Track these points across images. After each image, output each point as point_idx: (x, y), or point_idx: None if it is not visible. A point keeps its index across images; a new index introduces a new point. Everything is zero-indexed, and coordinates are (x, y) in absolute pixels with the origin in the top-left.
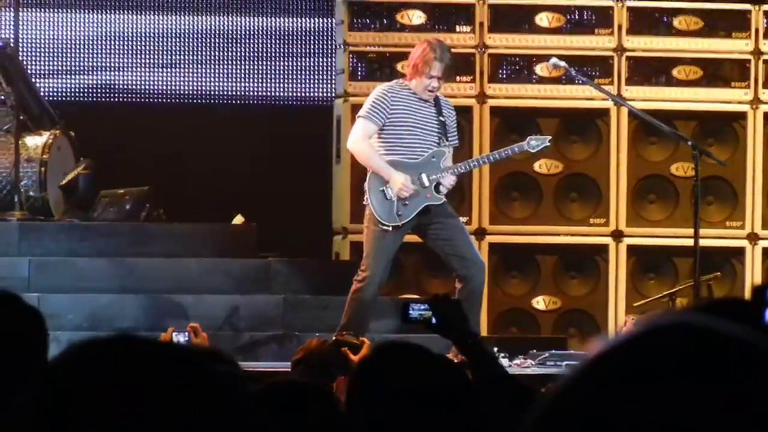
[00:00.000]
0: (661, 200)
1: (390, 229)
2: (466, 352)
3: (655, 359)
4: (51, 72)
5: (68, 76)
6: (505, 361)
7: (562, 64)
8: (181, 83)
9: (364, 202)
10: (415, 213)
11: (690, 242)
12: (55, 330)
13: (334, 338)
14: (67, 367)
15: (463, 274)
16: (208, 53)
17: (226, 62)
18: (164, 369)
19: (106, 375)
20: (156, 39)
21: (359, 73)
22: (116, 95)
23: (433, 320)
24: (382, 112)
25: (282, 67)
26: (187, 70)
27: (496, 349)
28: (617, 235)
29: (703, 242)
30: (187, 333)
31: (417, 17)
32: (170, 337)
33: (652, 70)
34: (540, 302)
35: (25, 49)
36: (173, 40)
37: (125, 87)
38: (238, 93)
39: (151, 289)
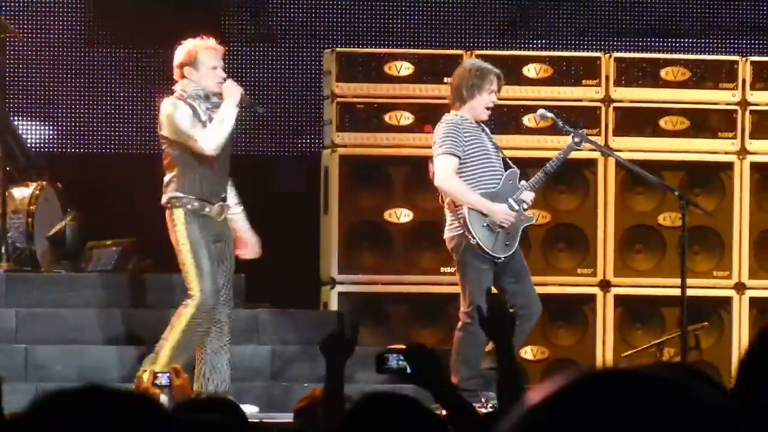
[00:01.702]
0: (649, 250)
1: (487, 266)
2: (442, 402)
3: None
4: (36, 122)
5: (53, 126)
6: (491, 394)
7: (550, 114)
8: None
9: (471, 241)
10: (519, 238)
11: (678, 292)
12: (42, 382)
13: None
14: (34, 418)
15: (525, 313)
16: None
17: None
18: (132, 421)
19: (72, 427)
20: (139, 86)
21: (347, 124)
22: (100, 145)
23: (408, 370)
24: (458, 143)
25: (270, 117)
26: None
27: (484, 400)
28: (605, 285)
29: (690, 292)
30: (168, 374)
31: (405, 68)
32: (152, 379)
33: (640, 121)
34: (528, 352)
35: (10, 99)
36: (160, 86)
37: (108, 137)
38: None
39: (140, 339)
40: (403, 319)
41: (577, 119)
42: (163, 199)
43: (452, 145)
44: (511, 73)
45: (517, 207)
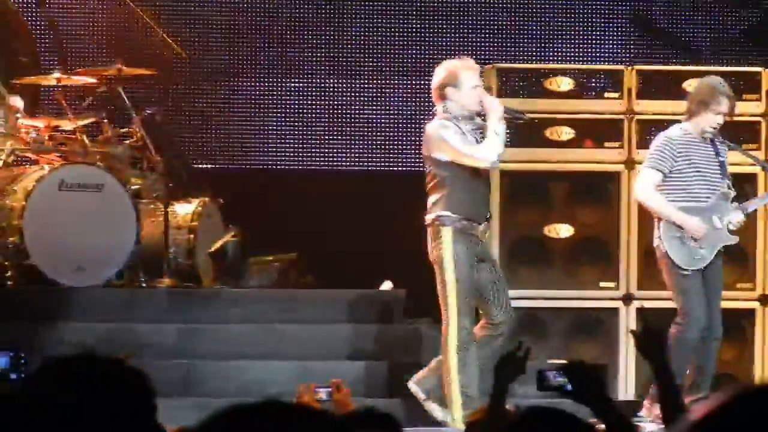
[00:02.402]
0: None
1: (690, 273)
2: (601, 418)
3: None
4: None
5: (215, 143)
6: (652, 426)
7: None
8: (327, 149)
9: (655, 245)
10: (713, 255)
11: None
12: (202, 397)
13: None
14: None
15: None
16: (351, 118)
17: (371, 128)
18: None
19: None
20: (302, 104)
21: (507, 140)
22: (263, 161)
23: (568, 386)
24: (668, 160)
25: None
26: (332, 135)
27: (642, 414)
28: (764, 300)
29: None
30: (329, 388)
31: (565, 84)
32: (312, 393)
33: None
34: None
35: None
36: (317, 105)
37: (270, 153)
38: (385, 159)
39: (301, 355)
40: (562, 334)
41: (736, 134)
42: (429, 218)
43: (658, 160)
44: (671, 87)
45: (719, 225)
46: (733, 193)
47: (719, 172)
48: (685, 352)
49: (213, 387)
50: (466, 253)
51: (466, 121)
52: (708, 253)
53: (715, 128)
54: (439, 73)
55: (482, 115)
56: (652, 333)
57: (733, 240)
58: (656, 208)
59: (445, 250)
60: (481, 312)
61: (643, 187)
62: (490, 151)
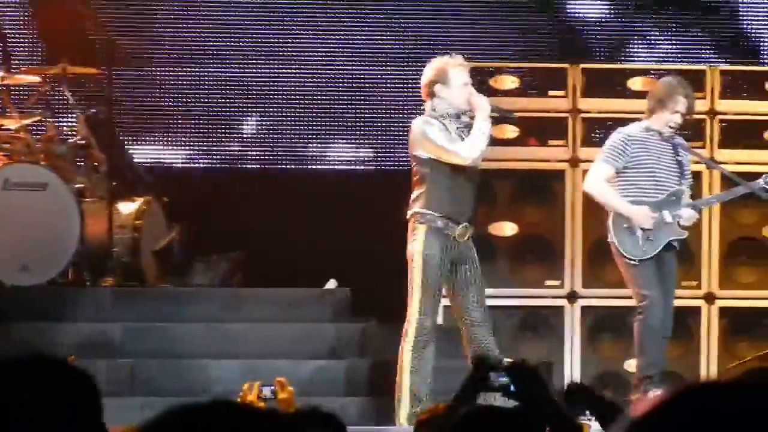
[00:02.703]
0: (753, 262)
1: (637, 263)
2: (545, 419)
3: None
4: (143, 138)
5: (159, 142)
6: (596, 425)
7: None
8: (272, 147)
9: (608, 240)
10: (661, 248)
11: None
12: (148, 396)
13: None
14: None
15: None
16: (299, 116)
17: (315, 125)
18: None
19: None
20: (247, 102)
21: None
22: (205, 160)
23: (511, 387)
24: (621, 156)
25: (368, 131)
26: (278, 134)
27: (588, 412)
28: (710, 298)
29: None
30: (272, 387)
31: (510, 82)
32: (257, 392)
33: (744, 133)
34: (631, 365)
35: (117, 115)
36: (266, 103)
37: (214, 152)
38: (328, 156)
39: (245, 354)
40: (508, 332)
41: (681, 132)
42: (408, 213)
43: (611, 155)
44: (616, 86)
45: (669, 219)
46: (686, 192)
47: (675, 171)
48: (655, 338)
49: (159, 386)
50: (438, 254)
51: (452, 119)
52: (657, 242)
53: (672, 127)
54: (429, 71)
55: (470, 113)
56: (525, 368)
57: (683, 234)
58: (603, 200)
59: (416, 247)
60: (455, 314)
61: (593, 179)
62: (471, 149)
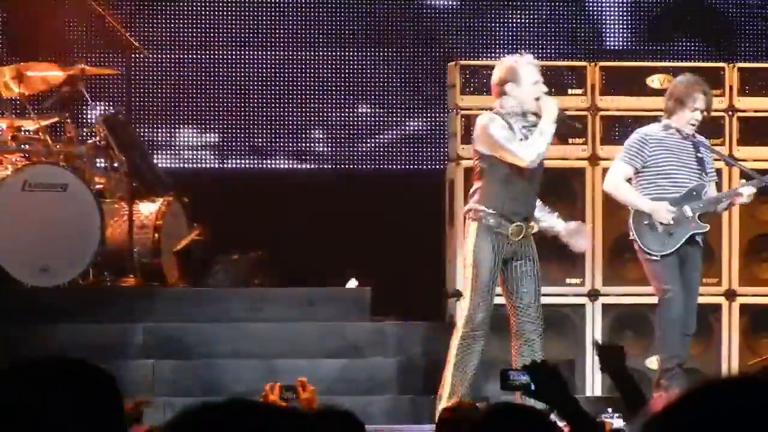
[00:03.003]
0: None
1: (659, 258)
2: (565, 417)
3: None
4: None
5: (179, 143)
6: (619, 422)
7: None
8: (294, 147)
9: (630, 238)
10: (682, 242)
11: None
12: (169, 396)
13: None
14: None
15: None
16: (319, 117)
17: (339, 126)
18: None
19: None
20: (265, 102)
21: (471, 136)
22: (227, 161)
23: (532, 386)
24: (640, 156)
25: (394, 131)
26: (298, 133)
27: (610, 410)
28: (730, 295)
29: None
30: (294, 388)
31: None
32: (279, 392)
33: (764, 130)
34: (654, 362)
35: (137, 113)
36: (283, 103)
37: (235, 152)
38: (352, 157)
39: (266, 354)
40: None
41: (700, 129)
42: (465, 208)
43: (630, 155)
44: (636, 84)
45: (690, 213)
46: (710, 187)
47: (696, 169)
48: (675, 331)
49: (179, 386)
50: (489, 252)
51: (518, 117)
52: (678, 236)
53: (693, 125)
54: (499, 69)
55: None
56: (611, 348)
57: (704, 228)
58: (622, 198)
59: (469, 245)
60: (508, 311)
61: (612, 178)
62: (530, 151)
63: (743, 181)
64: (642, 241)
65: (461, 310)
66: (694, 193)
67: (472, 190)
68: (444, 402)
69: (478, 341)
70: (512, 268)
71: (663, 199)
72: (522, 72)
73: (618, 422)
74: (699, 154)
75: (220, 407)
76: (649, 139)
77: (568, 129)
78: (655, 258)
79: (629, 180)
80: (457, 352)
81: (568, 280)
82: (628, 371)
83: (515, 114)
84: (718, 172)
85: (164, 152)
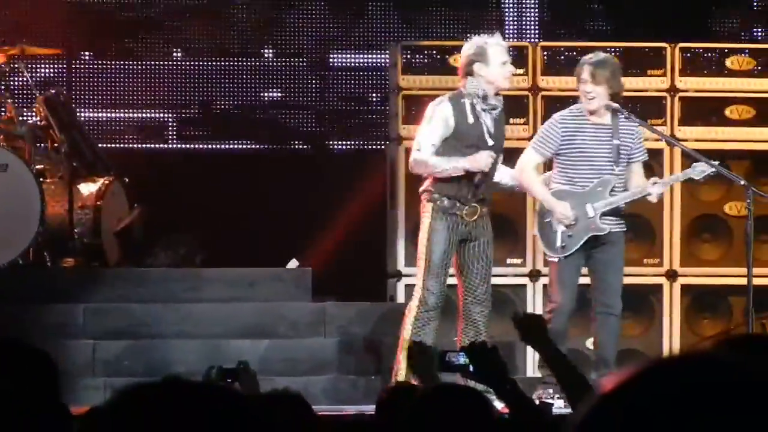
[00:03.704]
0: (715, 239)
1: (558, 260)
2: (504, 398)
3: (661, 394)
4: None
5: (119, 123)
6: (560, 402)
7: (615, 105)
8: (234, 127)
9: (533, 233)
10: (580, 244)
11: (744, 281)
12: (110, 376)
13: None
14: (114, 412)
15: (600, 310)
16: (261, 96)
17: (280, 106)
18: (212, 412)
19: (152, 419)
20: (203, 83)
21: (412, 117)
22: (167, 141)
23: (471, 368)
24: (551, 143)
25: (335, 111)
26: (239, 114)
27: (551, 390)
28: (671, 275)
29: (757, 281)
30: (234, 370)
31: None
32: (221, 374)
33: (705, 110)
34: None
35: (77, 96)
36: (224, 84)
37: (173, 132)
38: (292, 137)
39: (207, 334)
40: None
41: (642, 109)
42: (420, 188)
43: (541, 142)
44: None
45: (591, 214)
46: (611, 179)
47: (608, 156)
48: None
49: (120, 367)
50: (444, 233)
51: (478, 99)
52: (573, 243)
53: (590, 102)
54: (468, 49)
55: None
56: (530, 318)
57: (603, 231)
58: (527, 189)
59: (423, 225)
60: (459, 291)
61: (520, 165)
62: (417, 162)
63: (654, 179)
64: (542, 240)
65: (415, 290)
66: (599, 188)
67: None
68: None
69: (432, 322)
70: (465, 248)
71: (569, 188)
72: (491, 52)
73: (558, 403)
74: (615, 140)
75: (156, 386)
76: (560, 125)
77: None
78: (553, 259)
79: (552, 167)
80: (411, 334)
81: (508, 261)
82: (553, 344)
83: (476, 96)
84: (660, 152)
85: (104, 132)
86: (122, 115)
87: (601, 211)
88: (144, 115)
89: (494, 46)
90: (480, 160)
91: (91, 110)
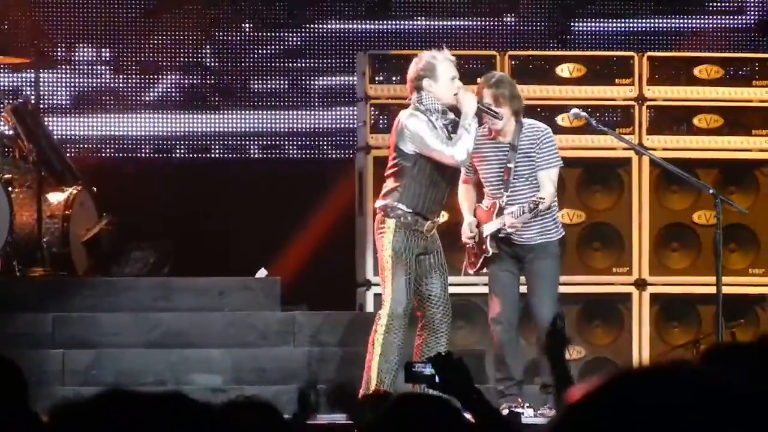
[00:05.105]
0: (684, 248)
1: (471, 273)
2: (469, 409)
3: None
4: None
5: (86, 133)
6: (529, 411)
7: (583, 114)
8: (203, 138)
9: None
10: (479, 265)
11: (713, 290)
12: (79, 386)
13: None
14: (53, 425)
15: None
16: (229, 105)
17: (248, 116)
18: (156, 423)
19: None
20: (176, 93)
21: (381, 126)
22: (135, 151)
23: (436, 378)
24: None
25: (303, 121)
26: (208, 124)
27: (520, 400)
28: (640, 284)
29: (726, 290)
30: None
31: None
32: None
33: (673, 119)
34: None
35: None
36: (192, 95)
37: (145, 142)
38: (260, 146)
39: (176, 343)
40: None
41: (610, 118)
42: (379, 203)
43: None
44: (546, 73)
45: (486, 233)
46: (504, 201)
47: (498, 176)
48: (498, 350)
49: (89, 376)
50: (405, 247)
51: (438, 114)
52: (479, 259)
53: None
54: (416, 64)
55: (455, 110)
56: (563, 336)
57: (488, 253)
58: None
59: (386, 237)
60: (416, 302)
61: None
62: (460, 150)
63: (495, 218)
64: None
65: (384, 301)
66: (497, 210)
67: (388, 187)
68: (370, 392)
69: (401, 331)
70: (421, 262)
71: (482, 207)
72: (440, 68)
73: (528, 411)
74: (510, 164)
75: (94, 398)
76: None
77: (491, 119)
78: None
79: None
80: (382, 344)
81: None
82: (569, 365)
83: (435, 110)
84: (629, 161)
85: (72, 142)
86: (91, 124)
87: (489, 233)
88: (113, 124)
89: (443, 62)
90: (469, 99)
91: (59, 119)
